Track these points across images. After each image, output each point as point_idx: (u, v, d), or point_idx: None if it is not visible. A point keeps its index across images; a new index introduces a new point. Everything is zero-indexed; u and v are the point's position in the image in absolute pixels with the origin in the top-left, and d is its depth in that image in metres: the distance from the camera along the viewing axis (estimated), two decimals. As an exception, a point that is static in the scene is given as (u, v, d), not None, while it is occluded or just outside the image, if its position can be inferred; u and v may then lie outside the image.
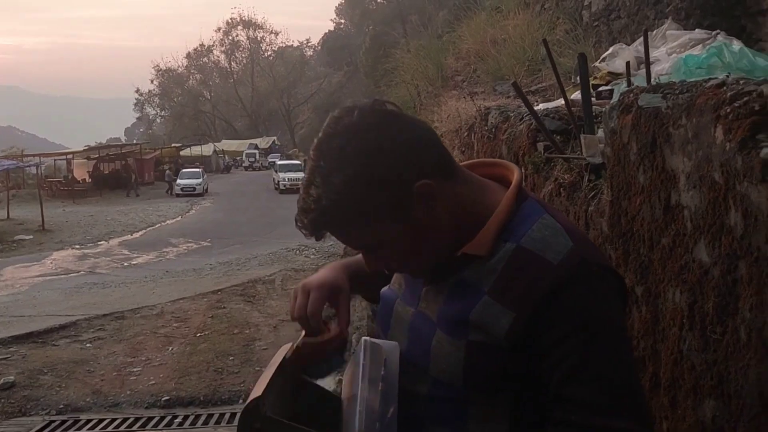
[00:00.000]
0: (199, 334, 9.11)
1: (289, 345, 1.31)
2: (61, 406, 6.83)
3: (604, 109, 2.13)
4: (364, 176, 1.05)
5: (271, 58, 73.71)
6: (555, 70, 2.66)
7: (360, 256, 1.34)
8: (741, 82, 1.51)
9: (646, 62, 2.54)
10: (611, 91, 3.67)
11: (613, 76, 4.26)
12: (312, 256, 15.35)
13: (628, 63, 2.81)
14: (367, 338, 1.21)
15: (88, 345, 8.83)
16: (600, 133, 2.36)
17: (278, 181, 35.80)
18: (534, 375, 1.05)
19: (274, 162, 46.55)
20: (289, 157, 48.61)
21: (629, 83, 2.52)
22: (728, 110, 1.42)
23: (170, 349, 8.56)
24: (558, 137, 2.71)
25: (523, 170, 3.02)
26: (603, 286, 1.06)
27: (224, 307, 10.58)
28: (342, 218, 1.08)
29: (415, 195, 1.07)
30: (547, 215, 1.11)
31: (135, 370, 7.82)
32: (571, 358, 1.02)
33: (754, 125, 1.34)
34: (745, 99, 1.40)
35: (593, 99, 3.12)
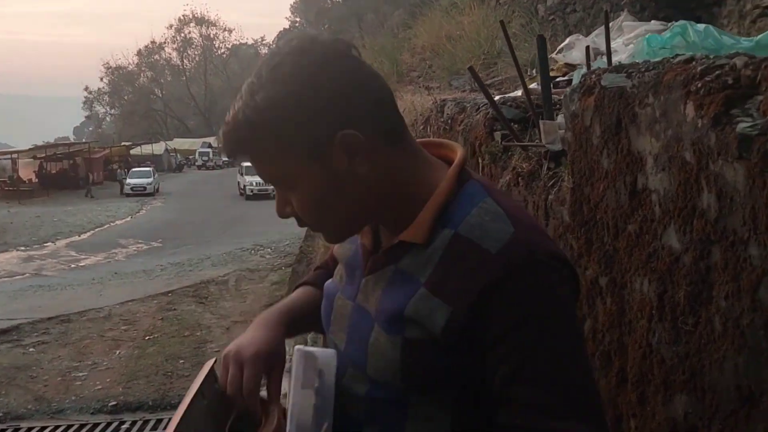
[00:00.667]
0: (148, 337, 8.85)
1: (212, 361, 1.19)
2: (0, 414, 6.51)
3: (564, 93, 2.03)
4: (288, 101, 0.96)
5: (224, 55, 72.85)
6: (512, 52, 2.56)
7: (295, 293, 1.30)
8: (711, 57, 1.42)
9: (607, 46, 2.46)
10: (569, 82, 3.60)
11: (570, 67, 4.22)
12: (267, 256, 15.12)
13: (588, 47, 2.74)
14: (300, 347, 1.09)
15: (31, 350, 8.50)
16: (559, 119, 2.26)
17: (244, 186, 30.86)
18: (477, 374, 0.96)
19: (232, 162, 45.14)
20: (243, 156, 47.65)
21: (589, 68, 2.44)
22: (699, 85, 1.33)
23: (118, 352, 8.28)
24: (516, 125, 2.62)
25: (480, 161, 2.92)
26: (550, 275, 0.95)
27: (175, 309, 10.32)
28: (254, 139, 0.99)
29: (336, 142, 0.96)
30: (490, 198, 1.00)
31: (81, 374, 7.54)
32: (514, 355, 0.92)
33: (728, 100, 1.25)
34: (717, 73, 1.31)
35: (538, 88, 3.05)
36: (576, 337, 0.98)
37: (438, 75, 8.07)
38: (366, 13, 33.73)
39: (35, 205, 30.80)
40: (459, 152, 1.07)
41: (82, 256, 16.83)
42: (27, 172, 40.11)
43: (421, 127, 4.90)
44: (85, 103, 74.86)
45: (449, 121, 3.65)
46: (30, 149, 43.56)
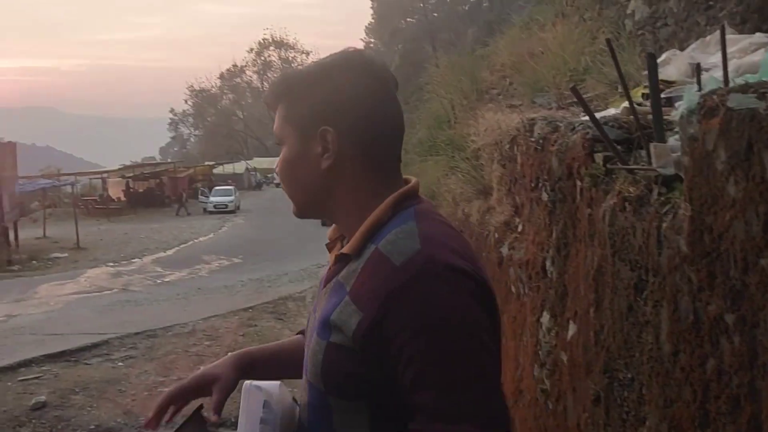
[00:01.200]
0: (230, 353, 8.98)
1: (199, 407, 1.33)
2: (92, 427, 6.72)
3: (677, 112, 1.90)
4: (308, 80, 1.19)
5: (302, 76, 74.20)
6: (619, 70, 2.45)
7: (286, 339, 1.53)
8: None
9: (723, 61, 2.30)
10: (668, 100, 3.42)
11: (667, 84, 4.00)
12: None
13: (698, 65, 2.58)
14: (248, 382, 1.24)
15: (119, 364, 8.77)
16: (671, 141, 2.13)
17: None
18: (391, 383, 1.04)
19: None
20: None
21: (700, 86, 2.30)
22: None
23: (201, 368, 8.43)
24: (619, 147, 2.48)
25: (578, 183, 2.79)
26: (449, 286, 1.03)
27: (255, 325, 10.46)
28: (276, 93, 1.23)
29: (319, 132, 1.16)
30: (413, 222, 1.11)
31: (166, 389, 7.70)
32: (416, 362, 1.00)
33: None
34: None
35: (642, 107, 2.89)
36: (473, 342, 1.02)
37: (520, 92, 7.91)
38: (440, 32, 33.78)
39: (123, 222, 32.13)
40: (410, 184, 1.21)
41: (168, 272, 17.34)
42: (116, 190, 42.00)
43: (507, 146, 4.77)
44: (170, 124, 78.14)
45: (541, 141, 3.52)
46: (119, 169, 45.64)
